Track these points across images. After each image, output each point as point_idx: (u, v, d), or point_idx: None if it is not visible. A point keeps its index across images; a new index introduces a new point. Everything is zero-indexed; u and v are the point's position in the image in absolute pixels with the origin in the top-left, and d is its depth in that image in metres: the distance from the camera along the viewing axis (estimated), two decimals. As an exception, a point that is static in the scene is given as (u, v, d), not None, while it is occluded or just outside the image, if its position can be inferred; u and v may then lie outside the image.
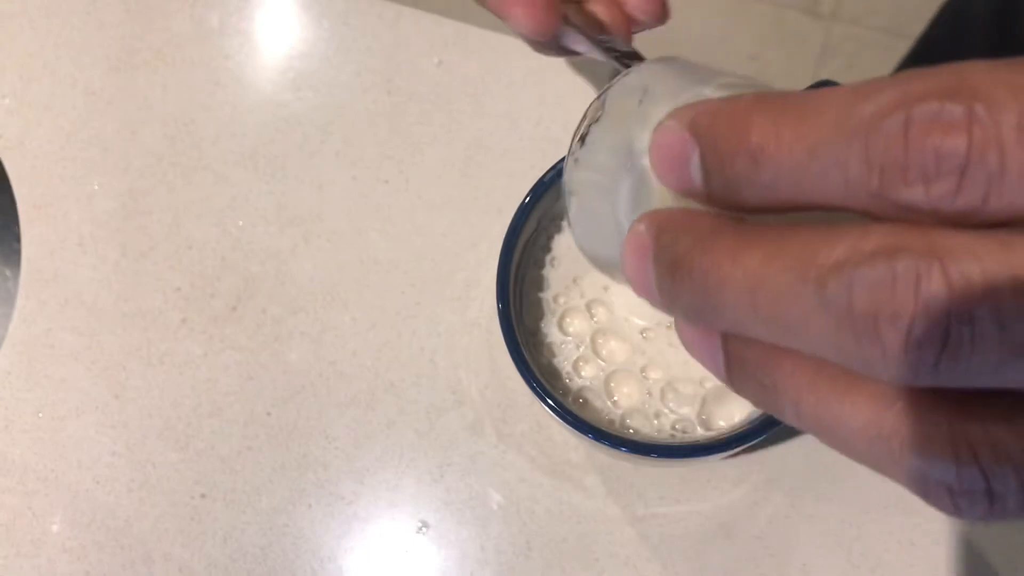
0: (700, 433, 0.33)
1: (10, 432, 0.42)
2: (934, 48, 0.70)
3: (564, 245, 0.36)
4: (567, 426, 0.31)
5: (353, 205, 0.43)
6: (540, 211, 0.35)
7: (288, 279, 0.43)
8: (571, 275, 0.36)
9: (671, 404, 0.34)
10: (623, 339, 0.35)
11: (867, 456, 0.17)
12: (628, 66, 0.25)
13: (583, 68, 0.44)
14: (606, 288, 0.35)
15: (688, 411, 0.34)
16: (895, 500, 0.37)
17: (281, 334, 0.42)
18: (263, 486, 0.40)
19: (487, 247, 0.42)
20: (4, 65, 0.47)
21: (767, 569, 0.37)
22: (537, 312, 0.36)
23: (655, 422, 0.34)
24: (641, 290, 0.19)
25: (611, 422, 0.34)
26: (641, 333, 0.35)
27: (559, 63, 0.44)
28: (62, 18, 0.47)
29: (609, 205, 0.22)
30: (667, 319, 0.34)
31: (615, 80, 0.23)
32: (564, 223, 0.36)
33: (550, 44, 0.27)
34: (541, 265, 0.36)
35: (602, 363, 0.35)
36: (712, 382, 0.34)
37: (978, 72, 0.15)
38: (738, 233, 0.17)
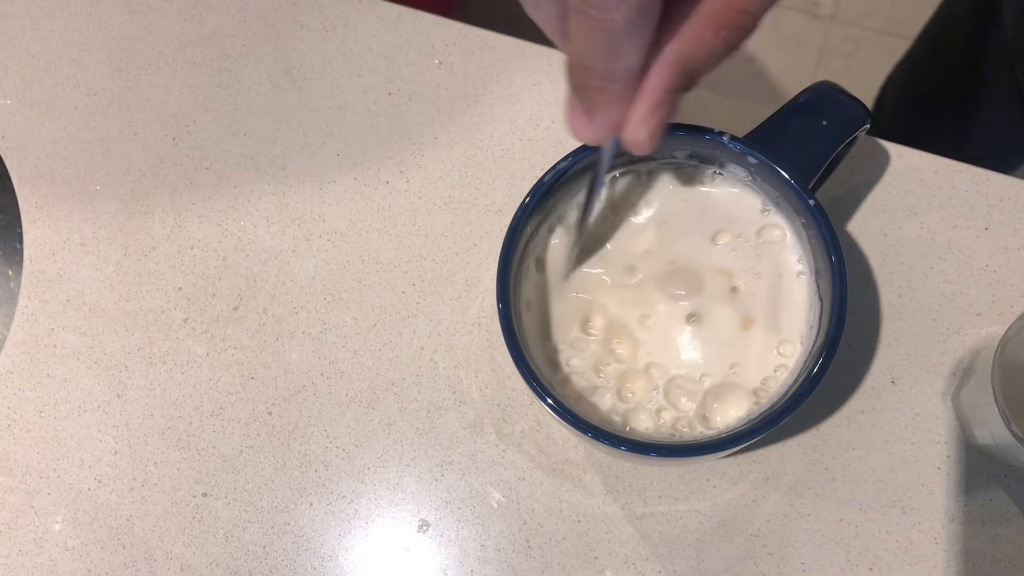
0: (699, 432, 0.33)
1: (12, 431, 0.42)
2: (923, 56, 0.71)
3: (563, 245, 0.36)
4: (566, 425, 0.31)
5: (354, 205, 0.44)
6: (540, 211, 0.35)
7: (289, 279, 0.43)
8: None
9: (673, 399, 0.34)
10: (623, 338, 0.35)
11: None
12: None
13: (583, 69, 0.44)
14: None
15: (688, 404, 0.34)
16: (893, 499, 0.38)
17: (282, 334, 0.42)
18: (264, 485, 0.41)
19: (487, 247, 0.42)
20: (6, 66, 0.47)
21: (765, 568, 0.38)
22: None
23: (658, 418, 0.34)
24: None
25: (611, 421, 0.34)
26: (638, 330, 0.35)
27: (557, 64, 0.44)
28: (64, 19, 0.48)
29: None
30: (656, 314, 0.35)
31: None
32: (563, 224, 0.36)
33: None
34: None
35: (601, 362, 0.35)
36: (711, 379, 0.34)
37: None
38: None
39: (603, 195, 0.36)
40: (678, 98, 0.27)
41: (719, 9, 0.25)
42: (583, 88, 0.27)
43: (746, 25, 0.26)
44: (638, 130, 0.27)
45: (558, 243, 0.36)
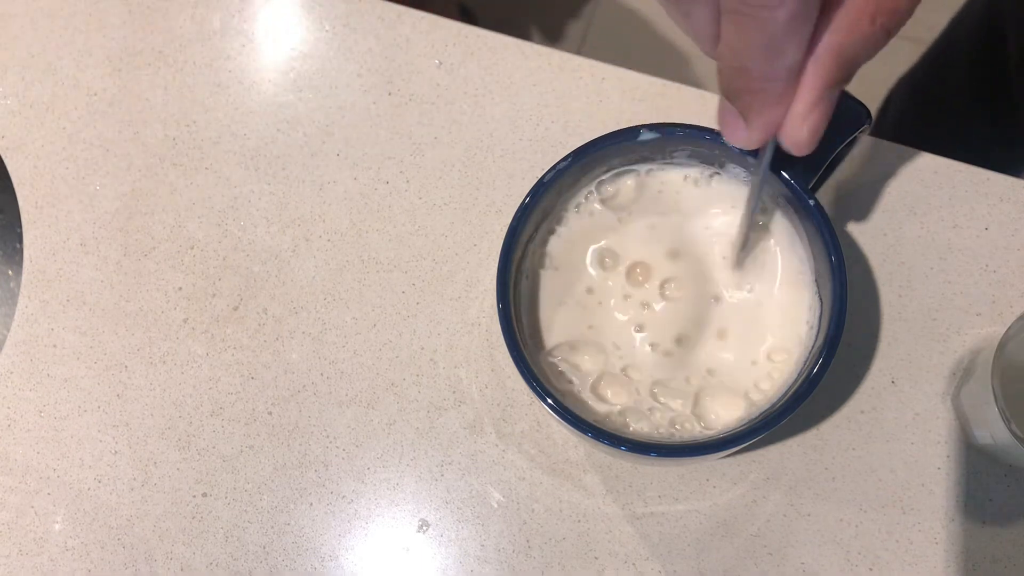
0: (698, 431, 0.33)
1: (12, 431, 0.42)
2: (923, 85, 0.71)
3: (562, 245, 0.36)
4: (566, 425, 0.31)
5: (354, 205, 0.44)
6: (540, 211, 0.35)
7: (289, 279, 0.43)
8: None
9: (661, 399, 0.34)
10: (609, 339, 0.35)
11: None
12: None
13: (583, 70, 0.44)
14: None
15: (680, 405, 0.34)
16: (893, 499, 0.38)
17: (282, 333, 0.42)
18: (264, 485, 0.41)
19: (487, 247, 0.42)
20: (6, 65, 0.47)
21: (766, 567, 0.38)
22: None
23: (651, 418, 0.34)
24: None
25: (610, 422, 0.34)
26: (622, 332, 0.35)
27: (557, 64, 0.44)
28: (64, 19, 0.48)
29: None
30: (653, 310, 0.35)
31: None
32: (563, 224, 0.36)
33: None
34: (541, 265, 0.36)
35: (598, 363, 0.35)
36: (699, 380, 0.34)
37: None
38: None
39: (761, 199, 0.35)
40: (837, 92, 0.26)
41: None
42: (741, 91, 0.26)
43: (903, 9, 0.25)
44: (799, 129, 0.27)
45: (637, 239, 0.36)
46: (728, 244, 0.35)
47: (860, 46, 0.25)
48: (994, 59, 0.58)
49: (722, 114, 0.28)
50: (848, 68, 0.26)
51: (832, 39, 0.25)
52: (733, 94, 0.27)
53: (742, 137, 0.28)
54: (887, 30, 0.25)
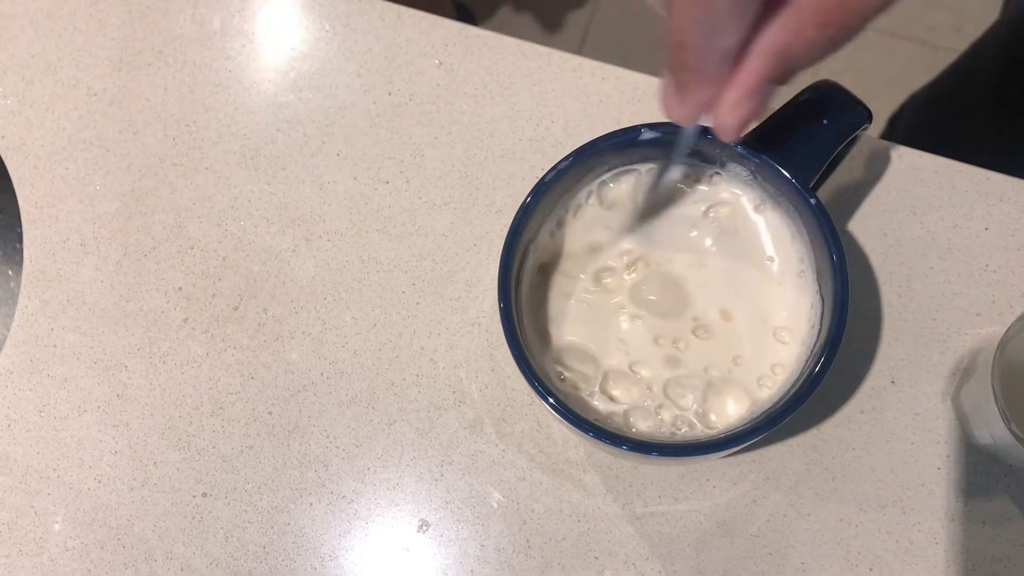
0: (700, 431, 0.33)
1: (12, 431, 0.42)
2: (942, 98, 0.71)
3: (564, 244, 0.36)
4: (567, 424, 0.31)
5: (354, 205, 0.44)
6: (541, 210, 0.35)
7: (289, 279, 0.43)
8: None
9: (671, 396, 0.34)
10: (609, 338, 0.35)
11: None
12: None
13: (583, 70, 0.44)
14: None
15: (689, 402, 0.34)
16: (893, 499, 0.38)
17: (282, 333, 0.42)
18: (264, 485, 0.41)
19: (487, 247, 0.42)
20: (6, 65, 0.47)
21: (765, 567, 0.38)
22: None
23: (657, 416, 0.34)
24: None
25: (611, 421, 0.34)
26: (622, 330, 0.35)
27: (557, 64, 0.44)
28: (64, 19, 0.48)
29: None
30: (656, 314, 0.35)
31: None
32: (563, 224, 0.36)
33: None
34: (542, 264, 0.36)
35: (605, 361, 0.35)
36: (714, 371, 0.34)
37: None
38: None
39: (676, 176, 0.36)
40: (771, 89, 0.27)
41: (826, 5, 0.25)
42: (678, 65, 0.27)
43: (852, 25, 0.25)
44: (728, 116, 0.27)
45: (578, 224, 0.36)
46: (727, 240, 0.35)
47: (803, 50, 0.25)
48: (1015, 84, 0.59)
49: (662, 86, 0.28)
50: (787, 68, 0.26)
51: (777, 36, 0.25)
52: (673, 67, 0.27)
53: (675, 111, 0.28)
54: (833, 40, 0.25)
